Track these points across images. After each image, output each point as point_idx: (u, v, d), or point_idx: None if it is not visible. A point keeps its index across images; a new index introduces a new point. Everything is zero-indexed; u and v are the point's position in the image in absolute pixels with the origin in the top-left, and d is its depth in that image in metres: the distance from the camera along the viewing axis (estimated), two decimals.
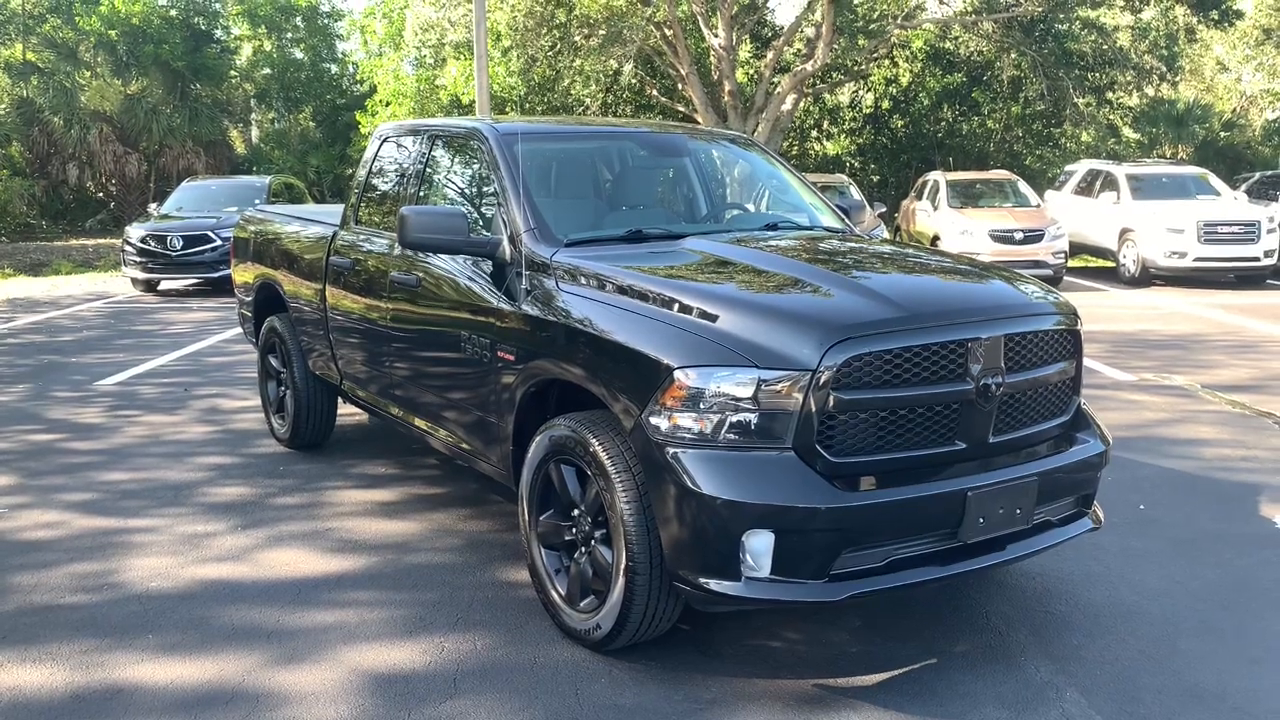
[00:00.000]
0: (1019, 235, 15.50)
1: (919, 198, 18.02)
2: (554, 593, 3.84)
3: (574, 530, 3.77)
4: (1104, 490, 5.60)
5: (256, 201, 15.44)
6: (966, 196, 17.31)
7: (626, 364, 3.48)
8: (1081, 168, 18.96)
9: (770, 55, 25.42)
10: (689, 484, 3.24)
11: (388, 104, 26.73)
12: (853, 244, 4.40)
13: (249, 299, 6.90)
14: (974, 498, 3.37)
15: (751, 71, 28.59)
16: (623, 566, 3.46)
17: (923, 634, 3.91)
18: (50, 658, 3.71)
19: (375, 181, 5.45)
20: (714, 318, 3.40)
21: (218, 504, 5.43)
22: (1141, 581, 4.41)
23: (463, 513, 5.25)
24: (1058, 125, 28.33)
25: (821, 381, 3.19)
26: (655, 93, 27.50)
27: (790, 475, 3.21)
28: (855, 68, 27.72)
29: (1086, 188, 18.07)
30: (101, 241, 25.51)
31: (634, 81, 27.39)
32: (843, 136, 31.30)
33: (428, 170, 4.96)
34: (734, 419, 3.23)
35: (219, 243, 14.88)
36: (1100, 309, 13.22)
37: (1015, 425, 3.63)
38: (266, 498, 5.54)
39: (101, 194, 30.19)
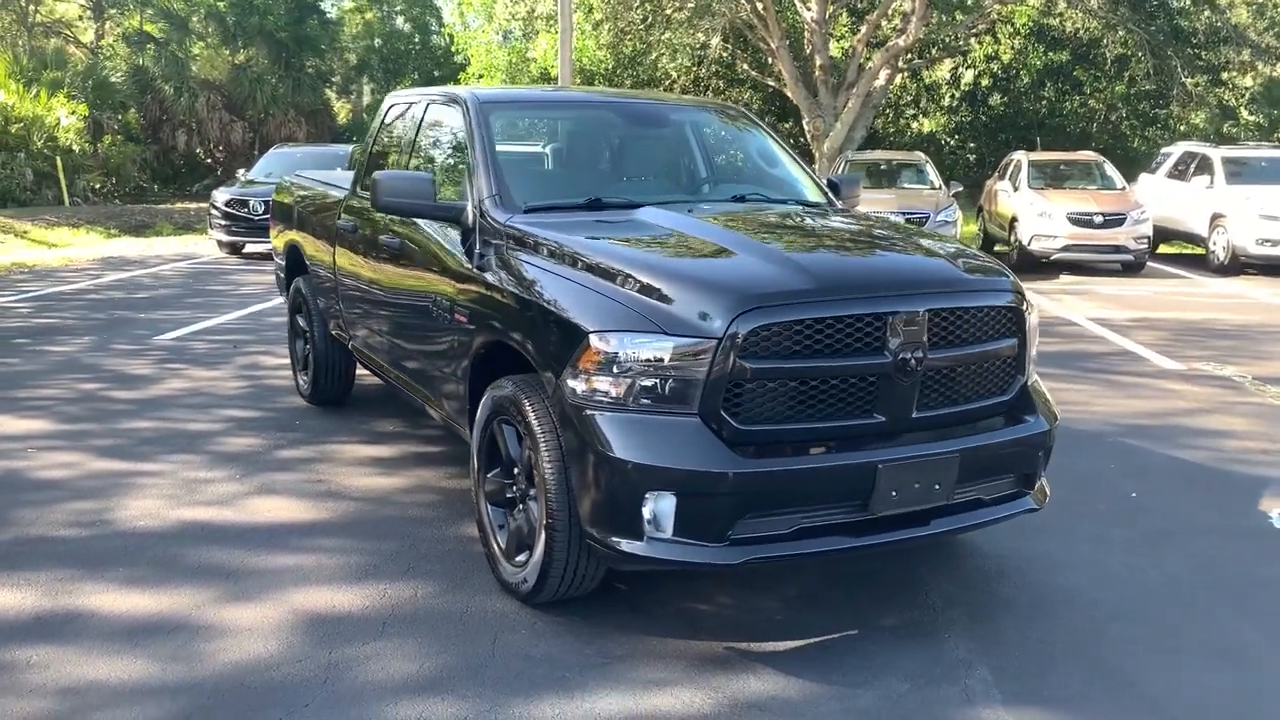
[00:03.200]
0: (1099, 219, 15.00)
1: (1001, 178, 17.57)
2: (495, 546, 3.97)
3: (515, 488, 3.89)
4: (1101, 477, 5.54)
5: (338, 169, 15.87)
6: (1049, 177, 16.81)
7: (552, 328, 3.59)
8: (1177, 150, 18.21)
9: (864, 29, 24.95)
10: (599, 445, 3.33)
11: (480, 76, 27.16)
12: (813, 218, 4.40)
13: (281, 262, 7.19)
14: (885, 470, 3.38)
15: (846, 47, 28.12)
16: (543, 523, 3.57)
17: (855, 606, 3.93)
18: (27, 583, 4.00)
19: (380, 147, 5.63)
20: (635, 285, 3.47)
21: (225, 453, 5.71)
22: (1102, 569, 4.34)
23: (448, 470, 5.42)
24: (1164, 106, 27.21)
25: (727, 349, 3.24)
26: (746, 67, 27.28)
27: (694, 440, 3.27)
28: (953, 43, 27.06)
29: (1180, 171, 17.36)
30: (203, 205, 26.48)
31: (724, 55, 27.24)
32: (939, 114, 30.61)
33: (420, 137, 5.11)
34: (644, 384, 3.31)
35: None
36: (1174, 296, 12.77)
37: (943, 401, 3.61)
38: (273, 449, 5.81)
39: (209, 160, 31.38)
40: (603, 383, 3.35)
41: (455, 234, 4.37)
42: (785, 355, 3.32)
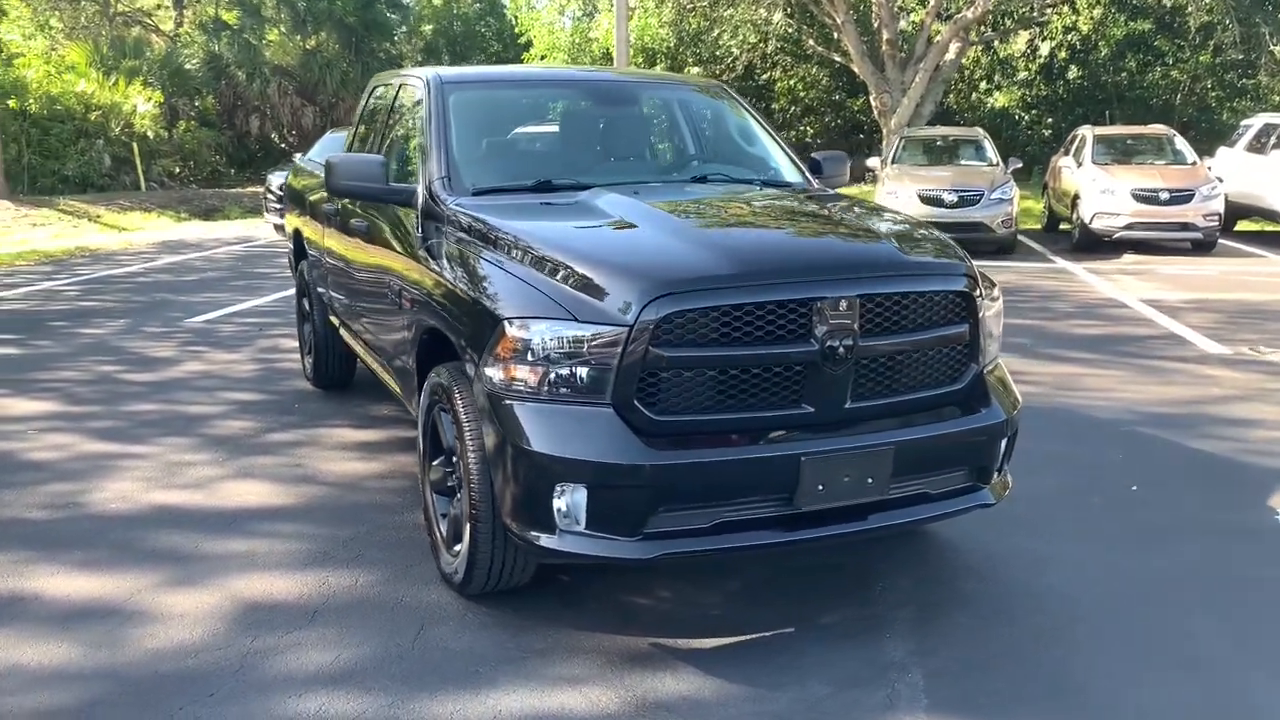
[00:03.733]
0: (1164, 195, 14.37)
1: (1066, 153, 16.95)
2: (437, 535, 3.92)
3: (455, 476, 3.83)
4: (1105, 468, 5.26)
5: None
6: (1116, 152, 16.16)
7: (474, 314, 3.50)
8: (1258, 122, 17.35)
9: (933, 2, 24.30)
10: (513, 436, 3.24)
11: (542, 57, 27.15)
12: (770, 199, 4.23)
13: (290, 245, 7.23)
14: (809, 463, 3.22)
15: (915, 21, 27.43)
16: (468, 515, 3.50)
17: (801, 601, 3.78)
18: None
19: (362, 129, 5.59)
20: (556, 271, 3.36)
21: (216, 436, 5.76)
22: (1082, 566, 4.11)
23: None
24: (1252, 76, 25.98)
25: (639, 338, 3.11)
26: (812, 42, 26.80)
27: (605, 431, 3.16)
28: (1026, 14, 26.20)
29: (1260, 144, 16.53)
30: None
31: (789, 31, 26.80)
32: (1014, 88, 29.70)
33: (391, 119, 5.06)
34: (556, 373, 3.20)
35: None
36: (1241, 277, 12.19)
37: (881, 391, 3.43)
38: (263, 432, 5.84)
39: (283, 144, 31.97)
40: (518, 371, 3.26)
41: (410, 218, 4.31)
42: (702, 343, 3.18)
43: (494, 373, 3.31)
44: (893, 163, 15.78)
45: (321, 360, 6.52)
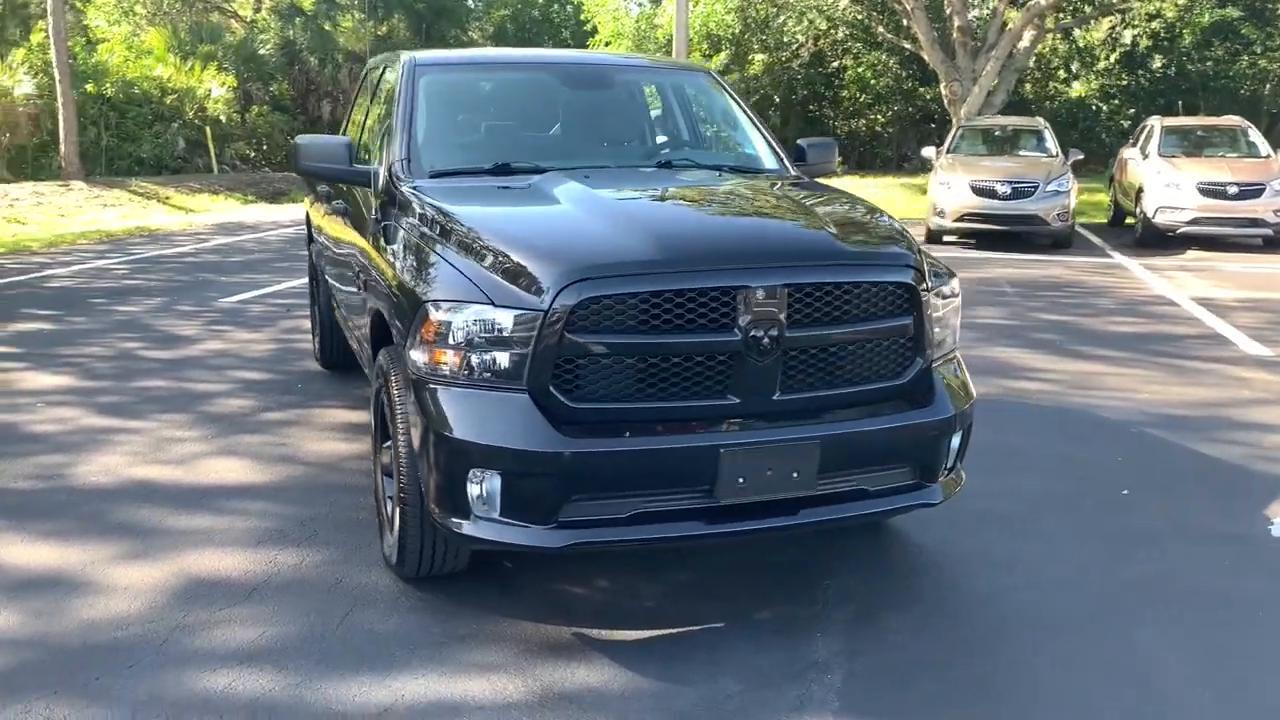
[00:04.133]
0: (1233, 189, 13.81)
1: (1134, 144, 16.39)
2: (384, 517, 3.92)
3: None
4: (1102, 469, 5.06)
5: None
6: (1186, 144, 15.58)
7: (405, 297, 3.49)
8: None
9: None
10: (432, 420, 3.23)
11: (607, 44, 27.11)
12: (729, 185, 4.13)
13: (304, 228, 7.32)
14: (728, 455, 3.15)
15: (989, 8, 26.77)
16: (398, 499, 3.50)
17: (740, 596, 3.71)
18: None
19: (355, 113, 5.63)
20: (483, 254, 3.34)
21: (212, 414, 5.86)
22: (1048, 570, 3.96)
23: None
24: None
25: (554, 323, 3.07)
26: (881, 29, 26.35)
27: (518, 417, 3.13)
28: (1108, 2, 25.41)
29: None
30: None
31: (859, 17, 26.39)
32: (1092, 77, 28.82)
33: (373, 101, 5.07)
34: (474, 357, 3.18)
35: None
36: None
37: (813, 384, 3.34)
38: (258, 411, 5.93)
39: None
40: (438, 355, 3.24)
41: (370, 199, 4.32)
42: (620, 330, 3.12)
43: (417, 356, 3.30)
44: (949, 152, 15.42)
45: (326, 341, 6.60)
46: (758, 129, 4.84)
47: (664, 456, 3.16)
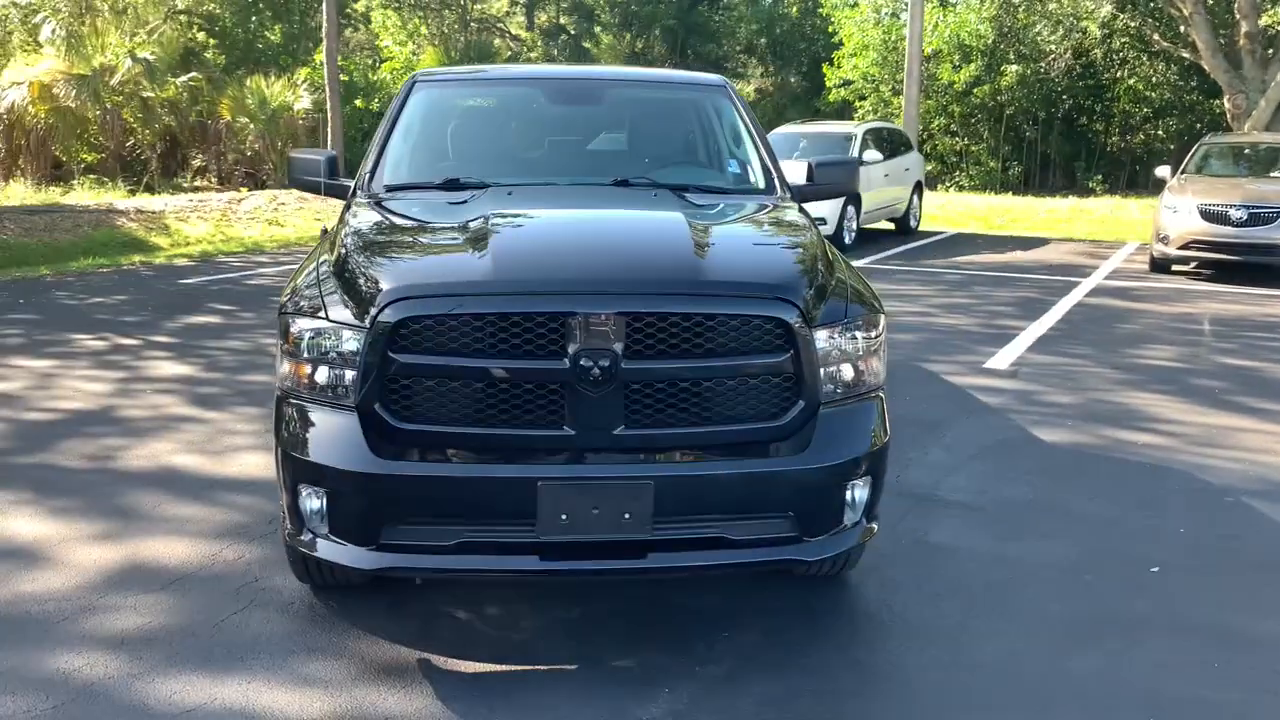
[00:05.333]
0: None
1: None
2: None
3: None
4: (1147, 541, 4.40)
5: None
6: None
7: None
8: None
9: None
10: (278, 434, 3.29)
11: (853, 56, 26.50)
12: (653, 209, 3.88)
13: None
14: (548, 489, 2.99)
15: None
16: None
17: (614, 640, 3.52)
18: None
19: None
20: (350, 269, 3.35)
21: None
22: (980, 650, 3.49)
23: None
24: None
25: (377, 341, 3.04)
26: (1157, 37, 24.21)
27: (341, 435, 3.12)
28: None
29: None
30: None
31: (1130, 26, 24.37)
32: None
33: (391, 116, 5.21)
34: (313, 372, 3.20)
35: None
36: None
37: (666, 421, 3.10)
38: None
39: None
40: (287, 367, 3.29)
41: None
42: (445, 351, 3.04)
43: (280, 366, 3.35)
44: (1185, 172, 13.93)
45: None
46: (757, 147, 4.57)
47: (479, 485, 3.05)
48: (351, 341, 3.09)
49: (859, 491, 3.29)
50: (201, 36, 26.41)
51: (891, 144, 17.11)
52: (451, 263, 3.22)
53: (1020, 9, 24.63)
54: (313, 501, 3.16)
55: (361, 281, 3.18)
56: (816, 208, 14.37)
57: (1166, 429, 6.13)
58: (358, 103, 24.98)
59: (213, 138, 25.04)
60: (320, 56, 25.84)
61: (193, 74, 25.18)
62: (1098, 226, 18.58)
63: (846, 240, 14.98)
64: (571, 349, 2.99)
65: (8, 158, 24.02)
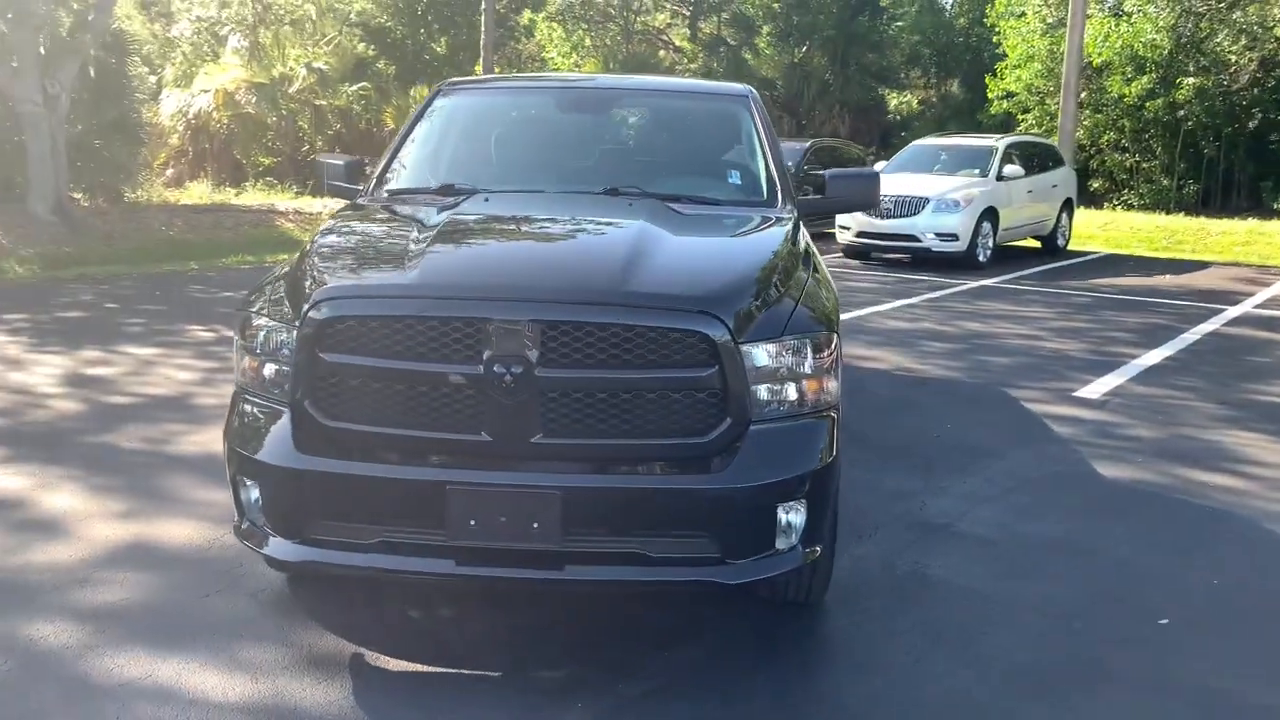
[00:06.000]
0: None
1: None
2: None
3: None
4: (1169, 589, 4.05)
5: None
6: None
7: None
8: None
9: None
10: (226, 424, 3.42)
11: (1016, 67, 25.49)
12: (619, 219, 3.83)
13: None
14: (455, 494, 3.00)
15: None
16: None
17: (551, 651, 3.50)
18: (35, 474, 5.00)
19: None
20: (303, 270, 3.44)
21: None
22: (918, 689, 3.30)
23: None
24: None
25: (306, 339, 3.13)
26: None
27: (271, 431, 3.22)
28: None
29: None
30: None
31: None
32: None
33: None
34: (258, 367, 3.32)
35: None
36: None
37: (585, 431, 3.06)
38: None
39: None
40: (238, 362, 3.43)
41: None
42: (367, 352, 3.10)
43: (239, 361, 3.48)
44: None
45: None
46: (766, 159, 4.46)
47: (391, 486, 3.09)
48: (287, 339, 3.19)
49: (794, 515, 3.16)
50: (371, 49, 27.71)
51: (1039, 159, 16.45)
52: (386, 266, 3.30)
53: (1203, 18, 23.15)
54: (250, 493, 3.27)
55: (306, 282, 3.28)
56: (943, 221, 13.95)
57: (1248, 472, 5.64)
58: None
59: (378, 144, 26.23)
60: (479, 69, 26.75)
61: (363, 84, 26.49)
62: (1276, 251, 17.25)
63: (981, 258, 14.47)
64: (486, 355, 3.00)
65: (193, 160, 25.87)
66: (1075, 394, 7.25)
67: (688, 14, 34.85)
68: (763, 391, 3.14)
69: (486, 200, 3.97)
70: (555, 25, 33.84)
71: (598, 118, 4.77)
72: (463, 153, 4.69)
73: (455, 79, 4.94)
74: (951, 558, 4.35)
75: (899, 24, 31.05)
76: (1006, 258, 15.48)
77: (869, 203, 4.52)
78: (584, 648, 3.53)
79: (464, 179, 4.32)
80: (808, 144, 18.07)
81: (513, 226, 3.89)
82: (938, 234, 14.12)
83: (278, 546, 3.21)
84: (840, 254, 15.51)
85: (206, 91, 25.04)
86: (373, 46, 27.74)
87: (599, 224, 3.85)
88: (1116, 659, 3.54)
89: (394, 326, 3.07)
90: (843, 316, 9.95)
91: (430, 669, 3.37)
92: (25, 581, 3.88)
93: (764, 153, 4.50)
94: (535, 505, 3.01)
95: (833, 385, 3.33)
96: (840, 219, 15.09)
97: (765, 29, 32.30)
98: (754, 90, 4.89)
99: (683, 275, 3.28)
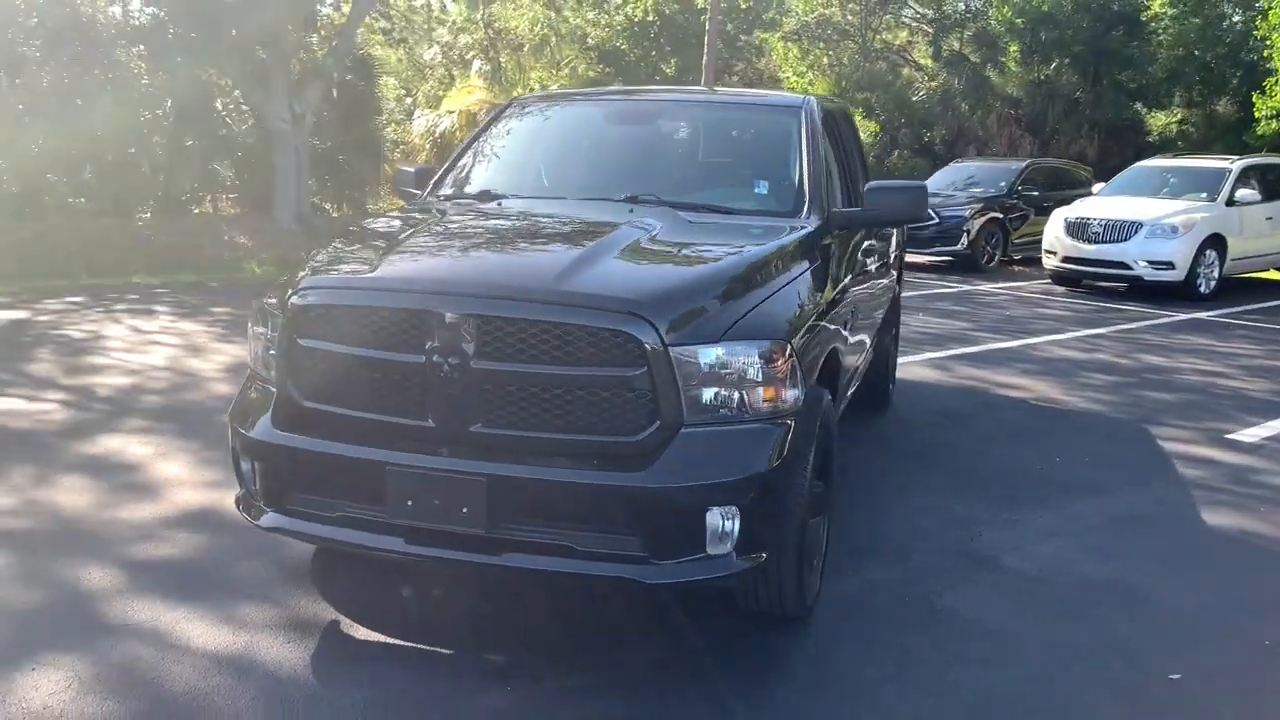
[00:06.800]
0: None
1: None
2: None
3: None
4: (1187, 644, 3.67)
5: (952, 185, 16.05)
6: None
7: None
8: None
9: None
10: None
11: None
12: (611, 225, 3.86)
13: None
14: (393, 474, 3.20)
15: None
16: None
17: (514, 639, 3.62)
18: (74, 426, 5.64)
19: None
20: (306, 260, 3.74)
21: None
22: (926, 682, 3.19)
23: None
24: None
25: (288, 324, 3.42)
26: None
27: (259, 409, 3.53)
28: None
29: None
30: None
31: None
32: None
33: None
34: (258, 351, 3.66)
35: (937, 221, 15.54)
36: None
37: (521, 423, 3.18)
38: None
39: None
40: (251, 347, 3.77)
41: None
42: (333, 339, 3.35)
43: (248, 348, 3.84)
44: None
45: None
46: (803, 170, 4.39)
47: (342, 464, 3.30)
48: (274, 323, 3.49)
49: (727, 521, 3.14)
50: (607, 70, 28.71)
51: None
52: (361, 261, 3.54)
53: None
54: (245, 466, 3.59)
55: (299, 273, 3.58)
56: (1157, 248, 12.91)
57: None
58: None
59: None
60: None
61: None
62: None
63: (1204, 289, 13.34)
64: (428, 345, 3.18)
65: None
66: (1228, 436, 6.61)
67: (930, 30, 33.92)
68: (699, 395, 3.14)
69: (499, 204, 4.18)
70: (791, 45, 33.80)
71: (643, 129, 4.86)
72: (509, 161, 4.91)
73: (528, 96, 5.19)
74: (976, 590, 4.13)
75: (1159, 38, 28.90)
76: (1240, 290, 14.19)
77: (914, 216, 4.37)
78: (544, 637, 3.62)
79: (502, 186, 4.56)
80: (1024, 164, 17.29)
81: (495, 229, 4.06)
82: (1150, 262, 13.13)
83: (262, 514, 3.50)
84: (1049, 280, 14.72)
85: (451, 112, 26.72)
86: (608, 69, 28.72)
87: (581, 227, 3.96)
88: (1103, 708, 3.27)
89: (354, 315, 3.31)
90: (1008, 344, 9.51)
91: (392, 640, 3.56)
92: (104, 532, 4.39)
93: (802, 164, 4.43)
94: (464, 491, 3.15)
95: (789, 393, 3.29)
96: (1045, 244, 14.33)
97: (1012, 46, 30.94)
98: (813, 101, 4.82)
99: (623, 278, 3.34)
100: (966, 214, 15.76)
